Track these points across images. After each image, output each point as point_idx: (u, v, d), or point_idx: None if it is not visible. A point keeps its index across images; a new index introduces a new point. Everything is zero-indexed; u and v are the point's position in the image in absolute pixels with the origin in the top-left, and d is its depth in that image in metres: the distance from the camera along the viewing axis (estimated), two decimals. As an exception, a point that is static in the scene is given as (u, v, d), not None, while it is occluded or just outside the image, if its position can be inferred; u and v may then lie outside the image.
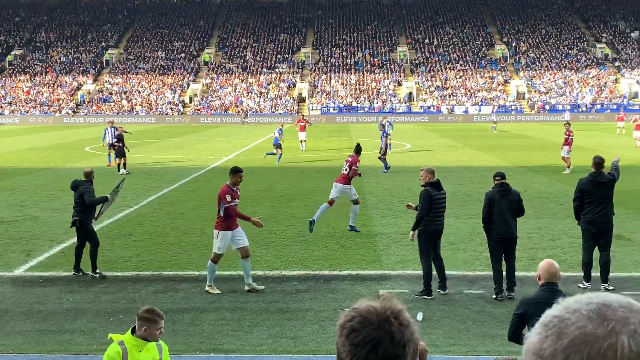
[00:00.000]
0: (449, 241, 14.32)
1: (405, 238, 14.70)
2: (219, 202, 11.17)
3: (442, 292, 10.77)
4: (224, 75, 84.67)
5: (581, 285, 10.98)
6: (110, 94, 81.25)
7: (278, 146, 30.73)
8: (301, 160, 32.07)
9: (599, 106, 74.70)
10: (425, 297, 10.55)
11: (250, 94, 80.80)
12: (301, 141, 37.60)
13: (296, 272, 12.24)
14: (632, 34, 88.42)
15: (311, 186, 23.16)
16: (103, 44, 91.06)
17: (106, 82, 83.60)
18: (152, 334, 5.54)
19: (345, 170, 16.29)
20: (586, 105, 75.18)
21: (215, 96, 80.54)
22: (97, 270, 12.07)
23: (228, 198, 11.02)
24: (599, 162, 11.43)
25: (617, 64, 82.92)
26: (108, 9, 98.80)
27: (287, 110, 76.58)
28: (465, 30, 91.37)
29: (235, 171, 11.47)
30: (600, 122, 68.39)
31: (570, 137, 26.88)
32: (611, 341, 1.04)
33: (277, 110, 77.08)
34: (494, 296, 10.60)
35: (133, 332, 5.56)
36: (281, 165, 29.81)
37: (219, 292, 10.99)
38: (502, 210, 10.60)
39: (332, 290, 11.12)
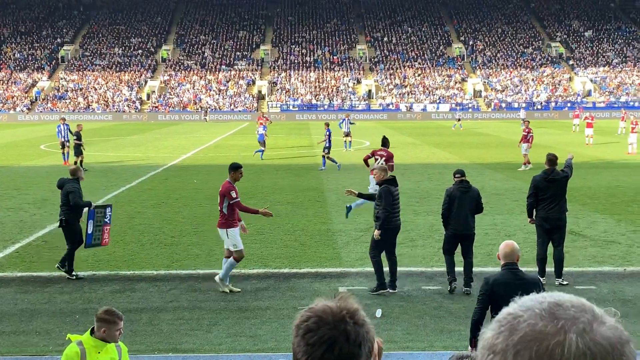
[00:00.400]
0: (408, 237, 14.45)
1: (365, 235, 14.79)
2: (221, 199, 11.00)
3: (391, 290, 10.81)
4: (182, 72, 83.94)
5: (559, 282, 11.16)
6: (66, 91, 79.86)
7: (263, 143, 31.20)
8: (261, 158, 31.97)
9: (553, 104, 76.11)
10: (382, 291, 10.62)
11: (209, 91, 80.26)
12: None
13: (255, 270, 12.21)
14: (586, 33, 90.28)
15: (270, 184, 23.12)
16: (58, 40, 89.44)
17: (62, 79, 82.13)
18: (111, 335, 5.48)
19: (381, 163, 16.92)
20: (541, 103, 76.53)
21: (174, 93, 79.80)
22: (74, 273, 11.83)
23: (233, 194, 10.95)
24: (552, 160, 11.65)
25: (571, 62, 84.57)
26: (63, 5, 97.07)
27: (247, 107, 76.30)
28: (423, 29, 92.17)
29: (236, 167, 11.40)
30: (554, 119, 69.66)
31: (530, 135, 27.45)
32: (559, 339, 1.06)
33: (237, 107, 76.74)
34: (448, 288, 10.73)
35: (92, 332, 5.49)
36: (241, 162, 29.67)
37: (227, 290, 10.81)
38: (462, 207, 10.74)
39: (291, 288, 11.13)
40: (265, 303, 10.36)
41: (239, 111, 75.54)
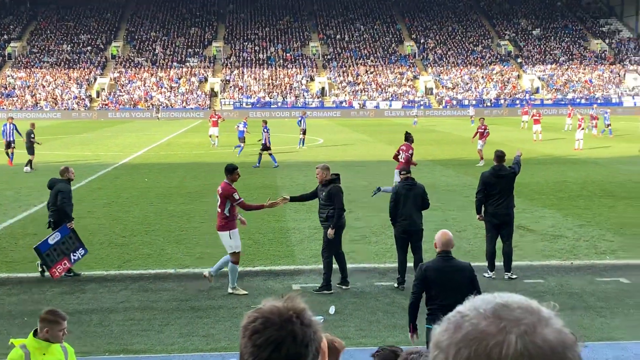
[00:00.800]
0: (360, 234, 14.55)
1: (319, 232, 14.82)
2: (223, 201, 10.78)
3: (344, 287, 10.88)
4: (133, 69, 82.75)
5: (486, 275, 11.33)
6: (14, 88, 77.94)
7: (243, 139, 31.73)
8: (214, 156, 31.74)
9: (503, 101, 77.40)
10: (325, 292, 10.64)
11: (160, 88, 79.30)
12: (211, 136, 37.19)
13: (208, 269, 12.12)
14: (534, 32, 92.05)
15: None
16: (5, 36, 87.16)
17: (9, 76, 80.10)
18: (54, 335, 5.39)
19: (403, 158, 18.60)
20: (491, 100, 77.75)
21: (124, 91, 78.61)
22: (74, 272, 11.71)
23: (236, 196, 10.78)
24: (500, 156, 11.87)
25: (519, 60, 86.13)
26: (10, 1, 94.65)
27: (199, 105, 75.65)
28: (375, 27, 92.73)
29: (232, 169, 11.14)
30: (504, 116, 70.84)
31: (486, 131, 28.00)
32: (499, 339, 1.07)
33: (189, 105, 76.02)
34: (395, 285, 10.85)
35: (35, 334, 5.39)
36: (193, 160, 29.45)
37: (246, 292, 10.65)
38: (408, 204, 10.84)
39: (245, 286, 11.08)
40: (218, 302, 10.30)
41: (191, 109, 74.84)
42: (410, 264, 11.00)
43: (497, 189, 11.48)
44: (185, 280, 11.48)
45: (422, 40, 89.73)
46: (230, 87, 79.90)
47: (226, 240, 10.87)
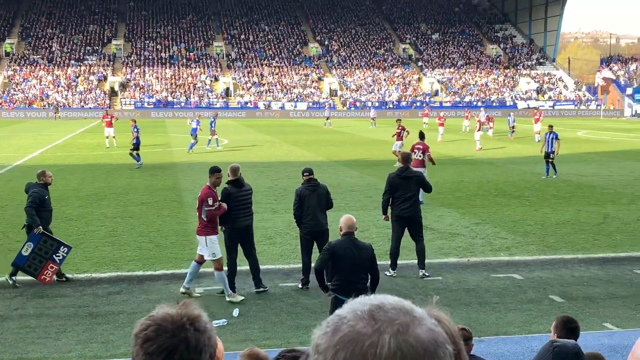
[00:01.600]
0: (265, 235, 14.53)
1: (222, 234, 14.70)
2: (200, 205, 10.40)
3: (262, 289, 10.81)
4: (28, 67, 79.41)
5: (387, 273, 11.54)
6: None
7: (195, 136, 33.18)
8: (112, 157, 30.91)
9: (404, 103, 79.26)
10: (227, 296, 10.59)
11: (57, 87, 76.48)
12: (107, 137, 36.13)
13: (107, 274, 11.80)
14: (433, 36, 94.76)
15: (124, 184, 22.41)
16: None
17: None
18: None
19: (419, 156, 18.97)
20: (393, 102, 79.44)
21: (18, 89, 75.30)
22: (14, 278, 11.09)
23: (210, 201, 10.33)
24: (406, 158, 12.09)
25: (419, 63, 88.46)
26: None
27: (98, 104, 73.43)
28: (280, 28, 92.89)
29: (213, 171, 10.69)
30: (405, 118, 72.46)
31: (403, 132, 28.69)
32: (374, 340, 1.09)
33: (87, 104, 73.67)
34: (299, 285, 10.92)
35: None
36: (91, 162, 28.58)
37: (242, 297, 10.34)
38: (312, 205, 10.91)
39: (145, 291, 10.85)
40: (117, 307, 10.03)
41: (90, 108, 72.56)
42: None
43: (403, 190, 11.67)
44: (83, 286, 11.12)
45: (326, 42, 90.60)
46: (131, 86, 78.00)
47: (202, 246, 10.48)
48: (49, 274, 10.97)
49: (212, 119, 35.98)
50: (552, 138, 24.10)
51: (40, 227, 11.12)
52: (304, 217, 10.92)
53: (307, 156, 31.38)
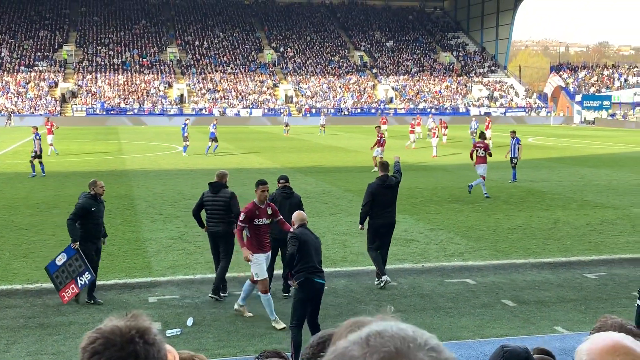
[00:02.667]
0: (219, 244, 14.42)
1: (176, 243, 14.56)
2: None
3: (215, 297, 10.76)
4: (-24, 72, 77.50)
5: (381, 283, 11.40)
6: None
7: (215, 139, 35.56)
8: (63, 165, 30.34)
9: (359, 110, 79.73)
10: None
11: (6, 93, 74.78)
12: (51, 144, 35.22)
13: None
14: (387, 43, 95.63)
15: (75, 192, 21.93)
16: None
17: None
18: None
19: (482, 154, 21.38)
20: (348, 109, 79.84)
21: (-35, 95, 73.41)
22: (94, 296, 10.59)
23: (241, 217, 9.72)
24: (385, 166, 11.94)
25: (374, 71, 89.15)
26: None
27: (49, 111, 72.03)
28: (235, 34, 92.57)
29: (258, 184, 10.03)
30: (360, 125, 72.90)
31: (383, 139, 28.88)
32: None
33: (38, 111, 72.19)
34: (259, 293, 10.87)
35: None
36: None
37: (284, 325, 9.45)
38: (284, 212, 10.87)
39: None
40: (69, 318, 9.84)
41: (41, 115, 71.07)
42: (277, 271, 11.10)
43: (384, 199, 11.63)
44: (33, 296, 10.87)
45: (281, 49, 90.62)
46: (83, 92, 76.76)
47: (251, 264, 9.89)
48: (69, 294, 10.37)
49: (184, 125, 36.22)
50: (515, 143, 25.01)
51: (77, 243, 10.43)
52: (273, 223, 10.88)
53: (262, 163, 31.31)
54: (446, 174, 27.62)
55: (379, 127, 31.99)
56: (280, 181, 11.28)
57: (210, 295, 10.74)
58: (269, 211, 10.01)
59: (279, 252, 10.99)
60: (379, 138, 29.32)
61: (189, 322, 9.63)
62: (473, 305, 10.51)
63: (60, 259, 10.47)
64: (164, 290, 11.31)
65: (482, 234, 15.77)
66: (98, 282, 11.66)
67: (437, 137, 36.36)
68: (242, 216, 9.76)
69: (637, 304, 7.11)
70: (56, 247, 14.06)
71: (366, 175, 27.09)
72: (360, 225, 12.00)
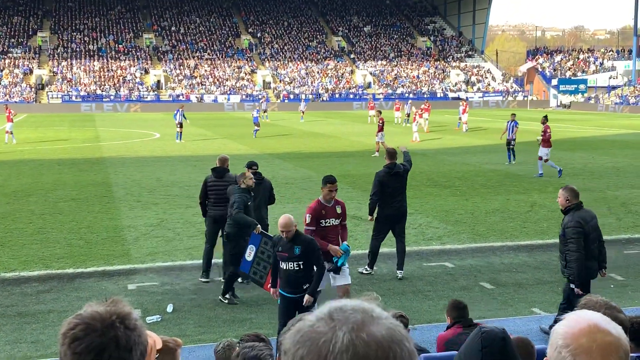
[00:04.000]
0: (200, 230, 14.38)
1: (155, 230, 14.51)
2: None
3: (205, 279, 10.93)
4: (-53, 59, 76.20)
5: (364, 271, 11.47)
6: None
7: (258, 124, 38.57)
8: (41, 153, 30.02)
9: (338, 95, 79.63)
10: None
11: (-21, 80, 73.69)
12: (8, 132, 34.59)
13: (36, 272, 11.47)
14: (365, 28, 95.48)
15: (52, 180, 21.80)
16: None
17: None
18: None
19: (547, 136, 22.71)
20: (326, 94, 79.73)
21: (-63, 83, 72.20)
22: (227, 296, 10.01)
23: (307, 218, 8.76)
24: (392, 154, 11.48)
25: (352, 56, 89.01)
26: None
27: (24, 98, 71.14)
28: (211, 20, 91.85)
29: (325, 182, 8.96)
30: (338, 110, 72.82)
31: (381, 124, 29.22)
32: (329, 336, 1.17)
33: (13, 98, 71.22)
34: (240, 279, 10.88)
35: None
36: (18, 158, 27.70)
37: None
38: (257, 199, 10.90)
39: (76, 288, 10.61)
40: (47, 306, 9.78)
41: (15, 102, 70.18)
42: None
43: (391, 188, 11.28)
44: (11, 285, 10.79)
45: (258, 35, 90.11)
46: (58, 79, 75.85)
47: None
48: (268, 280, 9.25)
49: (177, 111, 35.70)
50: (513, 126, 26.22)
51: (259, 225, 9.76)
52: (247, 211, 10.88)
53: (240, 149, 31.20)
54: (424, 158, 27.73)
55: (380, 111, 31.98)
56: (253, 167, 11.25)
57: (222, 279, 10.77)
58: (338, 210, 8.95)
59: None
60: (380, 123, 29.38)
61: (169, 308, 9.63)
62: (452, 288, 10.61)
63: (250, 253, 9.57)
64: (143, 277, 11.28)
65: (460, 218, 15.89)
66: (76, 270, 11.61)
67: (417, 122, 36.40)
68: (307, 218, 8.78)
69: None
70: (33, 235, 13.96)
71: (345, 160, 27.13)
72: (370, 216, 11.58)
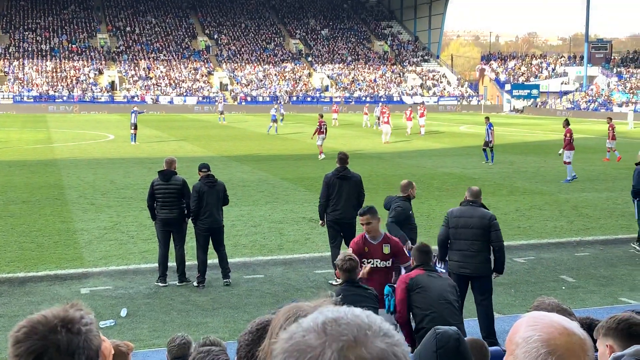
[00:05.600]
0: (154, 233, 14.21)
1: (109, 233, 14.29)
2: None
3: (185, 282, 10.94)
4: None
5: (334, 282, 11.29)
6: None
7: (275, 120, 42.10)
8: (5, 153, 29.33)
9: (295, 98, 79.65)
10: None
11: None
12: None
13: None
14: (322, 32, 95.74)
15: (2, 181, 21.29)
16: None
17: None
18: None
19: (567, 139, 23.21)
20: (283, 97, 79.67)
21: None
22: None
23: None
24: (343, 158, 11.30)
25: (310, 59, 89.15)
26: None
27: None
28: (167, 20, 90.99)
29: (360, 213, 7.87)
30: (294, 113, 72.82)
31: (324, 126, 29.44)
32: (317, 352, 1.13)
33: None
34: (195, 284, 10.81)
35: None
36: None
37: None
38: (210, 201, 10.82)
39: (28, 292, 10.38)
40: (-3, 311, 9.55)
41: (-36, 102, 68.45)
42: (212, 260, 11.05)
43: (338, 192, 10.98)
44: (-42, 290, 10.50)
45: (215, 36, 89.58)
46: (9, 79, 74.18)
47: None
48: None
49: (132, 112, 35.15)
50: (487, 128, 27.42)
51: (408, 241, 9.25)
52: (201, 213, 10.80)
53: (197, 151, 30.98)
54: (380, 161, 27.92)
55: (322, 114, 31.88)
56: (202, 170, 11.13)
57: (178, 283, 10.84)
58: (386, 250, 7.59)
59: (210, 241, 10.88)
60: (318, 126, 29.40)
61: (123, 312, 9.49)
62: (407, 291, 10.67)
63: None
64: (96, 281, 11.10)
65: (417, 221, 16.00)
66: (27, 274, 11.35)
67: (389, 123, 36.78)
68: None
69: None
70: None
71: (302, 163, 27.14)
72: (320, 221, 11.33)
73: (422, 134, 42.03)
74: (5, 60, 76.95)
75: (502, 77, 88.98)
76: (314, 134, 29.94)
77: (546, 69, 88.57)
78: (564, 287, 10.96)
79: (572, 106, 76.23)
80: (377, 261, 7.51)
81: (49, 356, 1.61)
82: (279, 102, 62.02)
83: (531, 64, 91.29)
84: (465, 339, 3.63)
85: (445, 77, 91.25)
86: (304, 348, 1.14)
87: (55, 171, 23.92)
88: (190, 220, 11.08)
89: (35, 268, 11.66)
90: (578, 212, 17.33)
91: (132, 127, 34.72)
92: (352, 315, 1.19)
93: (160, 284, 10.82)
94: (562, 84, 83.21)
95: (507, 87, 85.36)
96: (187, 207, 11.01)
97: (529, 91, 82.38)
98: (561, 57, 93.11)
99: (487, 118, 28.78)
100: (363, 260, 7.38)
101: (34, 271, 11.49)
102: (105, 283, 10.96)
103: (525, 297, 10.43)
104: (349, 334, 1.14)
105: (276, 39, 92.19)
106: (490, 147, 27.37)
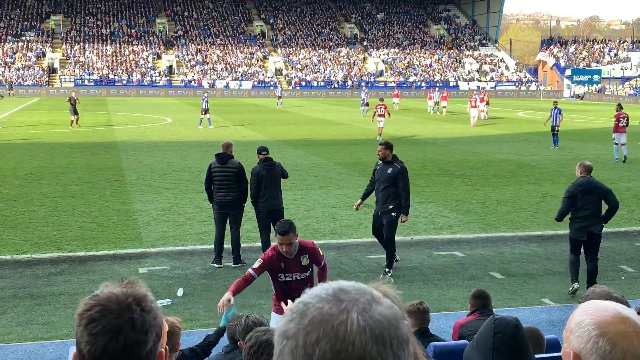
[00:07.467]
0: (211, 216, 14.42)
1: (167, 214, 14.56)
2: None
3: (240, 264, 11.00)
4: (-39, 41, 76.49)
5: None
6: None
7: (367, 104, 43.49)
8: (52, 136, 30.14)
9: (350, 83, 79.39)
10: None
11: (-7, 63, 73.97)
12: None
13: (48, 254, 11.54)
14: (378, 16, 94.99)
15: (64, 163, 21.90)
16: None
17: None
18: None
19: (623, 124, 23.63)
20: (338, 82, 79.51)
21: (-49, 65, 72.51)
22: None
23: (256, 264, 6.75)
24: (389, 146, 10.91)
25: (364, 43, 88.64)
26: None
27: (37, 82, 71.39)
28: (224, 5, 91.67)
29: (278, 232, 6.52)
30: (348, 98, 72.66)
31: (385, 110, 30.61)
32: (343, 318, 1.17)
33: (25, 81, 71.51)
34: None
35: None
36: (30, 140, 27.83)
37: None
38: (269, 184, 10.92)
39: (87, 271, 10.68)
40: (59, 288, 9.85)
41: (28, 85, 70.48)
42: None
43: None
44: (23, 267, 10.87)
45: (271, 21, 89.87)
46: (71, 63, 76.02)
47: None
48: None
49: (203, 98, 35.70)
50: (557, 113, 27.84)
51: None
52: (260, 196, 10.92)
53: (252, 135, 31.22)
54: (435, 147, 27.65)
55: (382, 99, 33.15)
56: (262, 152, 11.23)
57: (233, 265, 11.02)
58: (305, 261, 6.64)
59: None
60: (376, 109, 30.73)
61: (179, 292, 9.67)
62: (462, 278, 10.60)
63: None
64: (154, 261, 11.34)
65: (471, 208, 15.84)
66: (87, 253, 11.67)
67: (476, 107, 37.89)
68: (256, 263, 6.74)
69: None
70: (45, 218, 14.04)
71: (356, 148, 27.08)
72: (359, 200, 11.45)
73: (483, 119, 41.35)
74: (67, 44, 78.84)
75: (562, 62, 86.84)
76: (373, 116, 31.08)
77: (608, 54, 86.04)
78: (623, 277, 10.69)
79: (635, 92, 73.92)
80: (296, 275, 6.63)
81: (125, 334, 1.62)
82: (363, 87, 62.15)
83: (592, 48, 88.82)
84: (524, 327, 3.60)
85: (504, 61, 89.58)
86: (326, 318, 1.18)
87: (115, 153, 24.46)
88: (250, 202, 11.19)
89: (95, 247, 11.98)
90: (639, 201, 16.84)
91: (203, 112, 35.18)
92: (351, 284, 1.26)
93: (215, 265, 11.00)
94: (622, 69, 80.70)
95: (568, 72, 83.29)
96: (243, 191, 11.12)
97: (590, 77, 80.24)
98: (624, 42, 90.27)
99: (555, 102, 29.62)
100: (280, 275, 6.65)
101: (93, 250, 11.81)
102: (162, 263, 11.19)
103: (584, 286, 10.22)
104: (362, 297, 1.21)
105: (331, 23, 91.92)
106: (555, 132, 27.67)
